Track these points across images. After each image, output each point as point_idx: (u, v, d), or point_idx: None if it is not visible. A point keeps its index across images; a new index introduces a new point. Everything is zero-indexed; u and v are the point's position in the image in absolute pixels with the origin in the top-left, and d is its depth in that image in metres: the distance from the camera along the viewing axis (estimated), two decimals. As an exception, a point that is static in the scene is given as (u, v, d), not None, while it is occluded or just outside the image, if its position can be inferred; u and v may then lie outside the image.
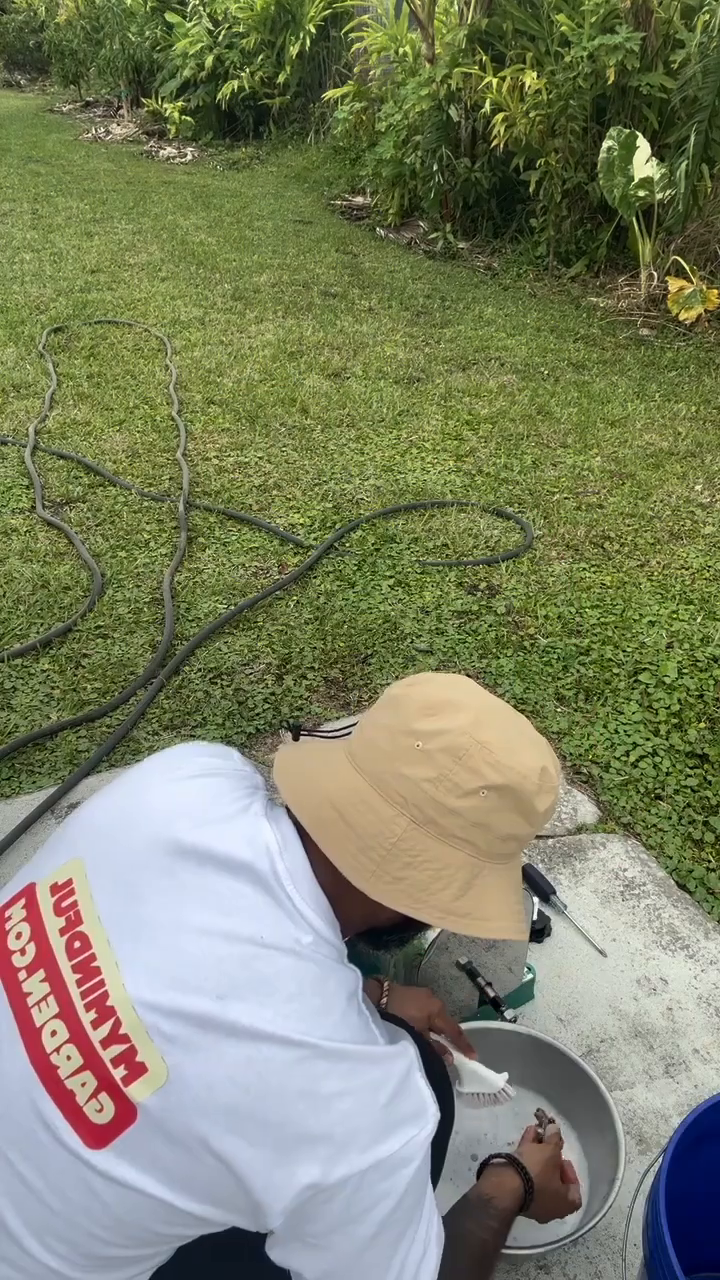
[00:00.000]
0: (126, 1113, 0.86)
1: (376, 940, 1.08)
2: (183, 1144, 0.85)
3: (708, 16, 5.13)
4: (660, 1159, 1.16)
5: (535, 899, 1.86)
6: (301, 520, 3.34)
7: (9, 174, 9.01)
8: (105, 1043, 0.87)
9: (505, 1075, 1.34)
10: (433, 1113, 0.91)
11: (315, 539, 3.22)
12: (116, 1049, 0.87)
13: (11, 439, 3.82)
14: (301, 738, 1.16)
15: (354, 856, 0.94)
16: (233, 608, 2.82)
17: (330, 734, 1.12)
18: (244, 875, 0.93)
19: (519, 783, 0.97)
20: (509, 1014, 1.56)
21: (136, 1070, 0.86)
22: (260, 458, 3.78)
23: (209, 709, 2.44)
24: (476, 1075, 1.34)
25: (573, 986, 1.79)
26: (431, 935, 1.49)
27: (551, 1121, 1.32)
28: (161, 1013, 0.87)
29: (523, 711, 2.46)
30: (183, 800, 1.00)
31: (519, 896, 1.02)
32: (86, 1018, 0.89)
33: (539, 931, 1.85)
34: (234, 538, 3.23)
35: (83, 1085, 0.87)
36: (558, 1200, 1.26)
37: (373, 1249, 0.88)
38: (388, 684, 2.54)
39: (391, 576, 3.03)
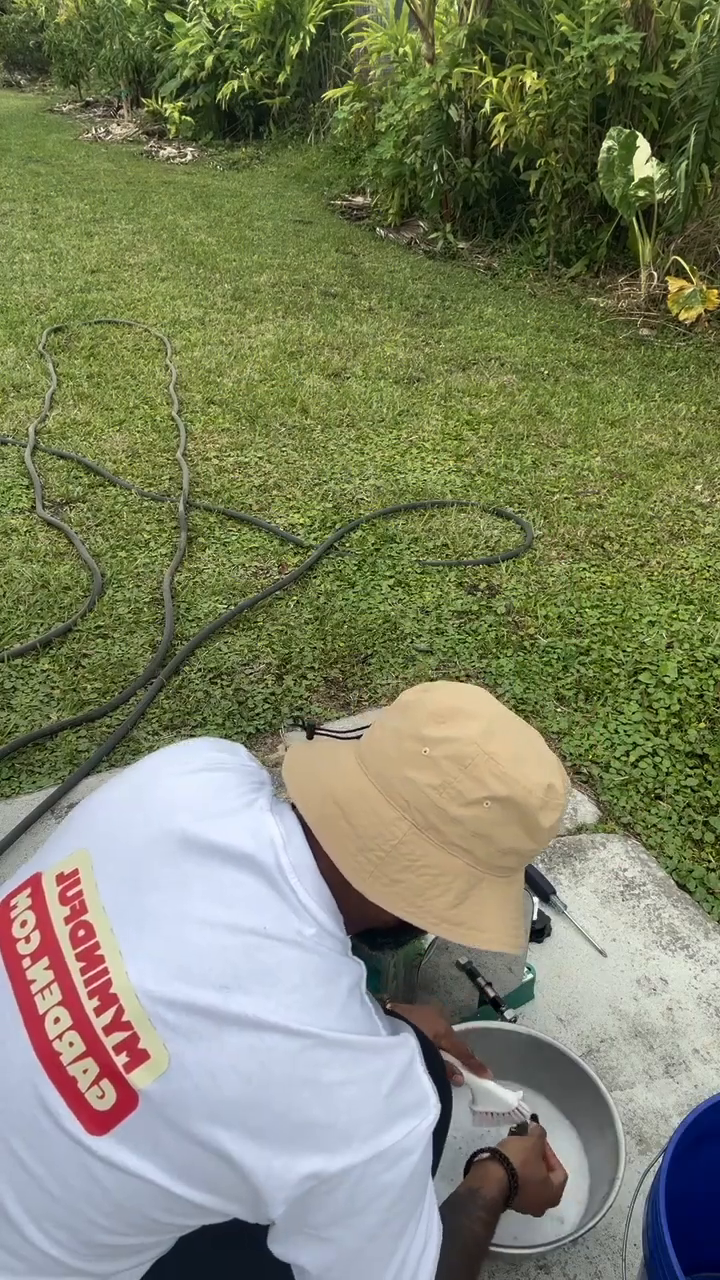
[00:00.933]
0: (128, 1099, 0.86)
1: (373, 941, 1.09)
2: (184, 1131, 0.85)
3: (708, 16, 5.13)
4: (660, 1159, 1.16)
5: (535, 899, 1.86)
6: (301, 520, 3.34)
7: (9, 174, 9.01)
8: (108, 1030, 0.88)
9: (520, 1093, 1.34)
10: (434, 1103, 0.92)
11: (315, 539, 3.22)
12: (119, 1036, 0.87)
13: (11, 439, 3.82)
14: (316, 736, 1.16)
15: (353, 856, 0.95)
16: (233, 608, 2.82)
17: (344, 734, 1.12)
18: (248, 867, 0.94)
19: (523, 796, 0.97)
20: (509, 1014, 1.56)
21: (138, 1057, 0.87)
22: (260, 458, 3.78)
23: (209, 709, 2.44)
24: (490, 1094, 1.34)
25: (573, 986, 1.79)
26: (431, 936, 1.49)
27: (534, 1118, 1.33)
28: (164, 1001, 0.87)
29: (523, 712, 2.47)
30: (188, 793, 1.01)
31: (517, 911, 1.02)
32: (89, 1005, 0.89)
33: (539, 931, 1.85)
34: (234, 538, 3.23)
35: (85, 1072, 0.88)
36: (544, 1188, 1.26)
37: (376, 1241, 0.89)
38: (388, 684, 2.55)
39: (391, 576, 3.03)
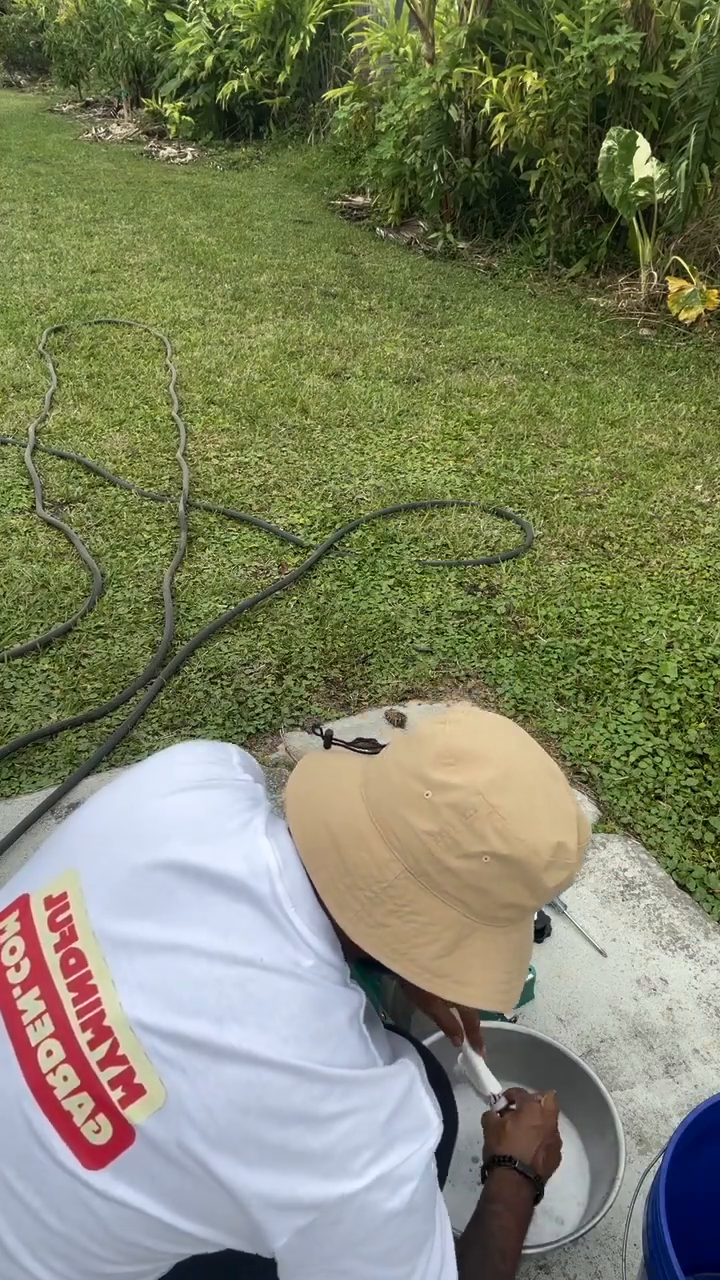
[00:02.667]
0: (124, 1134, 0.85)
1: (373, 965, 1.07)
2: (181, 1166, 0.84)
3: (708, 16, 5.13)
4: (660, 1159, 1.16)
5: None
6: (301, 520, 3.34)
7: (9, 174, 9.01)
8: (103, 1063, 0.86)
9: (501, 1089, 1.31)
10: (436, 1126, 0.90)
11: (315, 539, 3.22)
12: (114, 1070, 0.86)
13: (11, 439, 3.82)
14: (332, 747, 1.12)
15: (341, 892, 0.91)
16: (233, 608, 2.82)
17: (361, 748, 1.09)
18: (243, 896, 0.91)
19: (526, 856, 0.90)
20: (509, 1014, 1.56)
21: (134, 1092, 0.85)
22: (260, 458, 3.78)
23: (209, 709, 2.44)
24: (476, 1072, 1.33)
25: (573, 986, 1.79)
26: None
27: (506, 1099, 1.29)
28: (160, 1035, 0.86)
29: (522, 712, 2.47)
30: (181, 814, 0.98)
31: (514, 963, 0.96)
32: (83, 1037, 0.88)
33: (539, 931, 1.85)
34: (234, 538, 3.23)
35: (80, 1106, 0.86)
36: (555, 1150, 1.23)
37: (389, 1267, 0.87)
38: (388, 684, 2.55)
39: (391, 576, 3.03)
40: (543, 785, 0.95)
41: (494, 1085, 1.30)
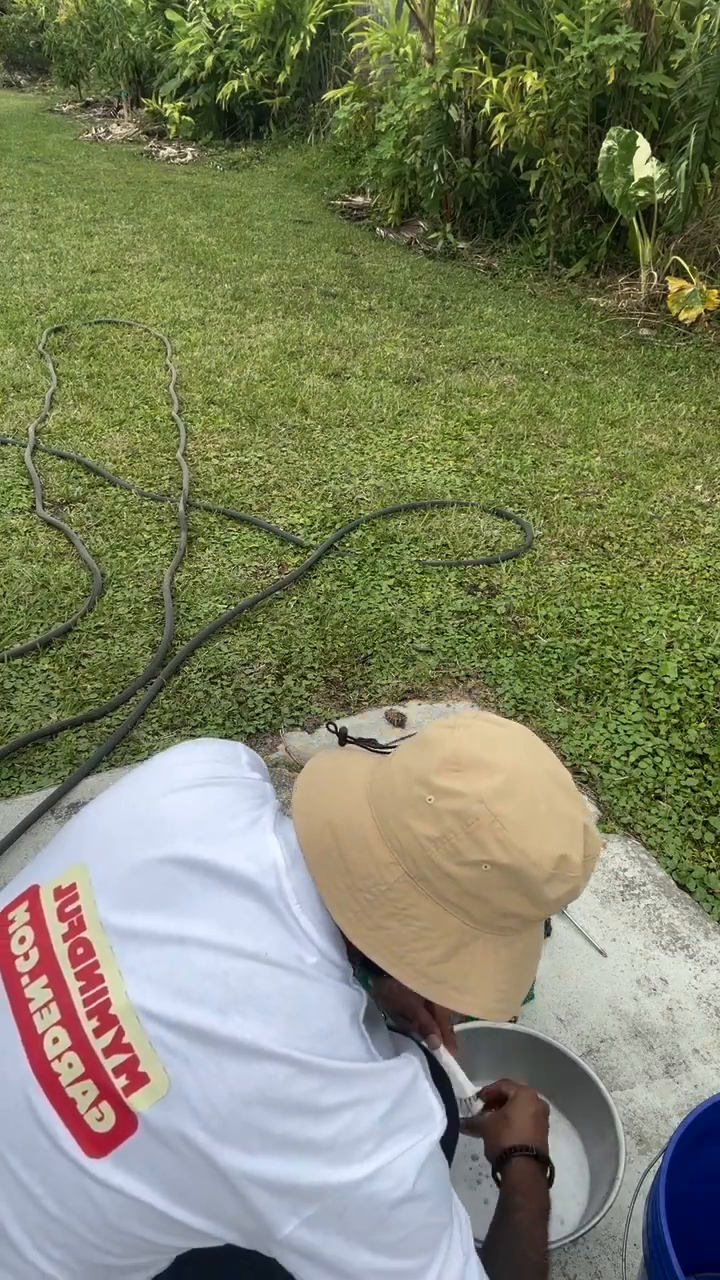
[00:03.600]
0: (127, 1123, 0.85)
1: (374, 967, 1.07)
2: (182, 1155, 0.85)
3: (708, 16, 5.13)
4: (660, 1159, 1.16)
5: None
6: (301, 520, 3.34)
7: (9, 174, 9.01)
8: (107, 1051, 0.87)
9: (477, 1089, 1.30)
10: (440, 1118, 0.90)
11: (315, 539, 3.22)
12: (118, 1058, 0.87)
13: (11, 439, 3.82)
14: (347, 745, 1.12)
15: (341, 892, 0.92)
16: (233, 608, 2.82)
17: (376, 747, 1.09)
18: (249, 892, 0.92)
19: (527, 868, 0.89)
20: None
21: (138, 1080, 0.86)
22: (260, 458, 3.78)
23: (209, 709, 2.44)
24: (450, 1071, 1.30)
25: (573, 986, 1.79)
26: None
27: (493, 1096, 1.27)
28: (164, 1024, 0.86)
29: (522, 712, 2.47)
30: (189, 812, 0.99)
31: (516, 973, 0.95)
32: (89, 1025, 0.88)
33: (539, 931, 1.85)
34: (234, 538, 3.22)
35: (84, 1094, 0.87)
36: (543, 1125, 1.22)
37: (402, 1259, 0.86)
38: (388, 684, 2.55)
39: (391, 576, 3.03)
40: (549, 796, 0.93)
41: (470, 1088, 1.29)
